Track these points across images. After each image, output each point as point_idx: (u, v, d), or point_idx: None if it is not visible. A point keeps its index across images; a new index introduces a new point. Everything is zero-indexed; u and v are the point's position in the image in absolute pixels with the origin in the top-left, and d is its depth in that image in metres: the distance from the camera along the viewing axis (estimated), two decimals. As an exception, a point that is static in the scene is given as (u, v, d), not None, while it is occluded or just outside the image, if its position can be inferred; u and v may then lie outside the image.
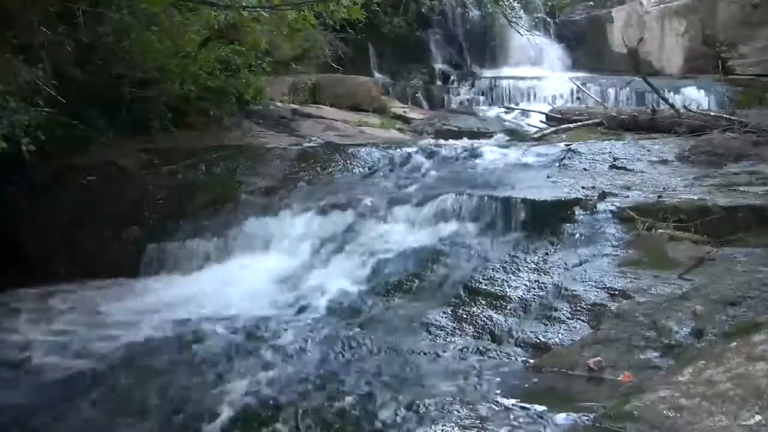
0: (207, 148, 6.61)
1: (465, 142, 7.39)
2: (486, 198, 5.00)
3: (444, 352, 3.59)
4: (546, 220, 4.68)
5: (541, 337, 3.56)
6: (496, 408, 2.82)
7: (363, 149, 6.63)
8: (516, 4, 12.80)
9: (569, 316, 3.66)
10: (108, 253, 5.40)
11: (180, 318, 4.19)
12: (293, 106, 8.84)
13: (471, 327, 3.77)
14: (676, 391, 2.40)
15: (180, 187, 5.93)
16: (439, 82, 11.67)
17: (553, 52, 12.67)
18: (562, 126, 8.15)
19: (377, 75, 11.12)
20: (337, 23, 8.52)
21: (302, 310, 4.24)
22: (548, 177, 5.59)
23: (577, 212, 4.63)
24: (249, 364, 3.56)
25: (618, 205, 4.62)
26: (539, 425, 2.64)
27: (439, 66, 11.93)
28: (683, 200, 4.61)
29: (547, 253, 4.31)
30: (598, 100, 9.57)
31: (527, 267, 4.20)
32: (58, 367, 3.62)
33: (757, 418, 2.12)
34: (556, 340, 3.52)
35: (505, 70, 12.01)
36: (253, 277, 4.79)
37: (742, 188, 4.88)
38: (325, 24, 8.66)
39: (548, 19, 13.30)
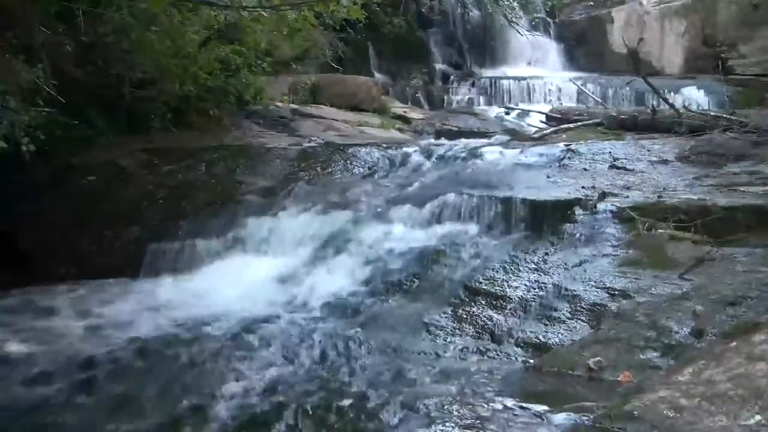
0: (207, 148, 6.61)
1: (465, 142, 7.38)
2: (486, 198, 5.00)
3: (444, 352, 3.59)
4: (546, 220, 4.68)
5: (541, 337, 3.56)
6: (496, 408, 2.82)
7: (363, 149, 6.62)
8: (516, 4, 12.79)
9: (569, 316, 3.66)
10: (108, 253, 5.40)
11: (180, 318, 4.19)
12: (293, 106, 8.84)
13: (471, 327, 3.78)
14: (676, 391, 2.40)
15: (180, 187, 5.93)
16: (439, 82, 11.67)
17: (553, 52, 12.68)
18: (562, 126, 8.15)
19: (377, 75, 11.12)
20: (337, 23, 8.53)
21: (302, 309, 4.24)
22: (548, 177, 5.59)
23: (577, 212, 4.63)
24: (249, 364, 3.56)
25: (618, 205, 4.62)
26: (539, 425, 2.64)
27: (439, 66, 11.93)
28: (683, 200, 4.60)
29: (547, 253, 4.31)
30: (598, 100, 9.57)
31: (527, 267, 4.20)
32: (58, 367, 3.62)
33: (757, 418, 2.12)
34: (556, 340, 3.52)
35: (505, 70, 12.01)
36: (252, 276, 4.79)
37: (742, 188, 4.87)
38: (325, 24, 8.66)
39: (548, 19, 13.30)
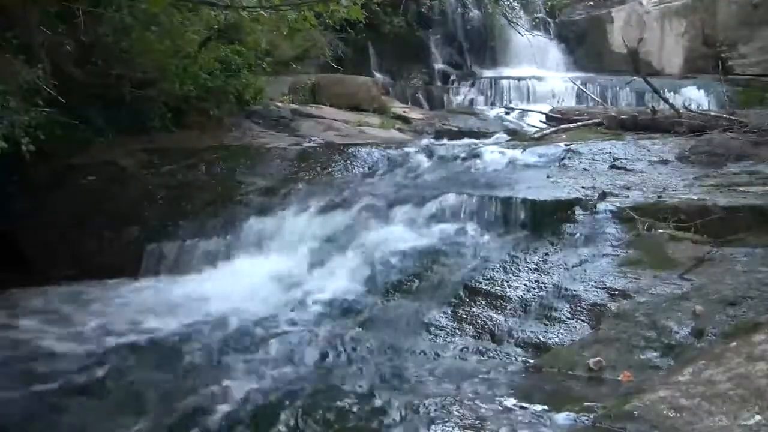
0: (207, 148, 6.61)
1: (465, 142, 7.39)
2: (486, 198, 5.00)
3: (444, 352, 3.59)
4: (546, 220, 4.68)
5: (541, 337, 3.56)
6: (496, 408, 2.82)
7: (363, 149, 6.63)
8: (516, 4, 12.79)
9: (569, 316, 3.66)
10: (108, 253, 5.40)
11: (179, 318, 4.19)
12: (293, 106, 8.82)
13: (471, 327, 3.78)
14: (676, 391, 2.40)
15: (180, 187, 5.93)
16: (439, 82, 11.66)
17: (553, 52, 12.67)
18: (562, 126, 8.14)
19: (377, 75, 11.10)
20: (337, 23, 8.51)
21: (302, 310, 4.24)
22: (548, 177, 5.59)
23: (577, 212, 4.63)
24: (249, 364, 3.56)
25: (618, 205, 4.62)
26: (539, 425, 2.64)
27: (439, 66, 11.91)
28: (683, 200, 4.61)
29: (547, 253, 4.31)
30: (598, 100, 9.57)
31: (527, 267, 4.20)
32: (57, 367, 3.62)
33: (757, 418, 2.13)
34: (556, 340, 3.52)
35: (505, 70, 11.99)
36: (252, 277, 4.79)
37: (742, 188, 4.88)
38: (325, 24, 8.65)
39: (548, 19, 13.28)
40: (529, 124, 9.14)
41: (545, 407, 2.76)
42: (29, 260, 5.44)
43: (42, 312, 4.43)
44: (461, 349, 3.60)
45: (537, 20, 13.14)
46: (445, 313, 3.91)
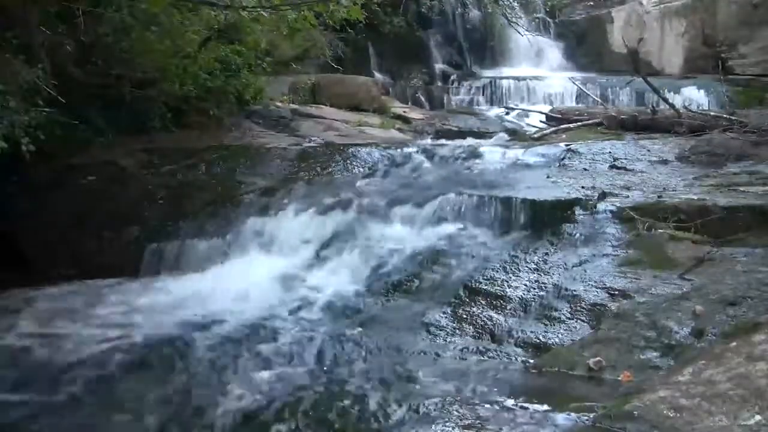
0: (207, 148, 6.61)
1: (465, 142, 7.39)
2: (486, 198, 5.00)
3: (444, 352, 3.59)
4: (546, 220, 4.68)
5: (541, 337, 3.56)
6: (496, 408, 2.82)
7: (363, 149, 6.62)
8: (516, 4, 12.79)
9: (569, 316, 3.66)
10: (108, 253, 5.39)
11: (179, 318, 4.19)
12: (293, 106, 8.82)
13: (471, 327, 3.78)
14: (676, 391, 2.40)
15: (180, 187, 5.93)
16: (439, 82, 11.66)
17: (553, 52, 12.67)
18: (562, 126, 8.14)
19: (377, 75, 11.10)
20: (337, 23, 8.52)
21: (302, 310, 4.24)
22: (548, 177, 5.59)
23: (577, 212, 4.63)
24: (249, 364, 3.56)
25: (618, 205, 4.62)
26: (539, 425, 2.64)
27: (439, 66, 11.91)
28: (683, 200, 4.61)
29: (547, 253, 4.31)
30: (598, 100, 9.56)
31: (527, 267, 4.20)
32: (58, 367, 3.62)
33: (757, 418, 2.13)
34: (556, 340, 3.53)
35: (505, 70, 11.99)
36: (252, 276, 4.79)
37: (742, 188, 4.88)
38: (325, 24, 8.65)
39: (548, 19, 13.28)
40: (529, 124, 9.14)
41: (545, 407, 2.76)
42: (29, 260, 5.45)
43: (41, 312, 4.42)
44: (461, 349, 3.60)
45: (537, 20, 13.14)
46: (445, 313, 3.91)
